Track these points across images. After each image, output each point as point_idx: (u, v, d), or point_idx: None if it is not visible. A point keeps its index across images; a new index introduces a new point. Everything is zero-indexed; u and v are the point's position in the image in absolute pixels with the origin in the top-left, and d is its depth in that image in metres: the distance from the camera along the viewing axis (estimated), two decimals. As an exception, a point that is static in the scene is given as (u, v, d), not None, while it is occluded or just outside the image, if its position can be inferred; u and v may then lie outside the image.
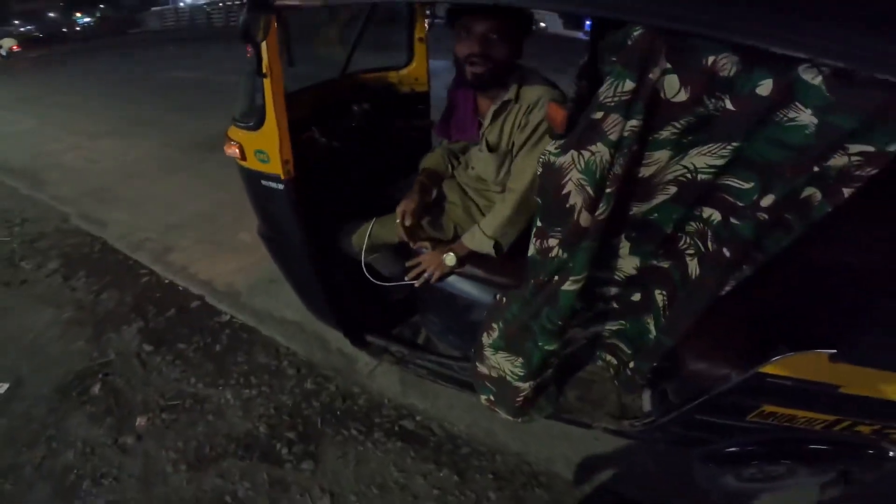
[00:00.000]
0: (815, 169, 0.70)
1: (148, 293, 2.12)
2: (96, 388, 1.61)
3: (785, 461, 1.16)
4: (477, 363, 1.24)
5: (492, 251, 1.15)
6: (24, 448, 1.43)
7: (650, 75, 0.69)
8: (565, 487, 1.38)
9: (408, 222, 1.21)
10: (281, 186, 1.19)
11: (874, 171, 0.67)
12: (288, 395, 1.62)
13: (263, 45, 1.01)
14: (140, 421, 1.50)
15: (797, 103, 0.65)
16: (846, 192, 0.69)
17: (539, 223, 0.93)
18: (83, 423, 1.50)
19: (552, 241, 0.91)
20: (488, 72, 0.99)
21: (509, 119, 1.08)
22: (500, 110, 1.09)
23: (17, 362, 1.71)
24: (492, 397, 1.25)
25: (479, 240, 1.15)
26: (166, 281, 2.20)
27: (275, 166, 1.17)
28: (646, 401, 1.33)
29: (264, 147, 1.16)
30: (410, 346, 1.56)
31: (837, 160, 0.68)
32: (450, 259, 1.18)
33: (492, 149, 1.13)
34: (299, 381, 1.68)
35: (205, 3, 21.78)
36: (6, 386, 1.61)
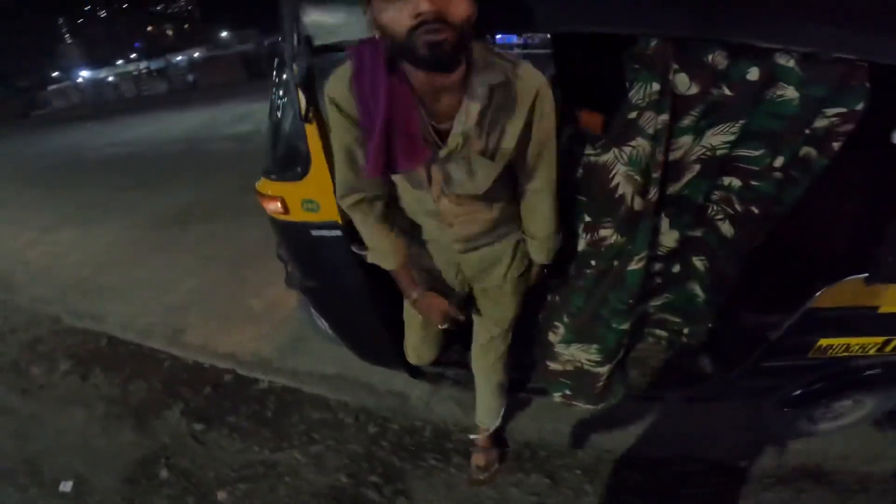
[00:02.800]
0: (807, 131, 0.94)
1: (175, 376, 2.18)
2: (164, 473, 1.66)
3: (851, 392, 1.31)
4: (548, 362, 1.39)
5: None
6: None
7: (668, 76, 0.91)
8: (651, 465, 1.52)
9: (461, 317, 1.14)
10: (337, 232, 1.20)
11: (852, 127, 0.91)
12: (355, 443, 1.73)
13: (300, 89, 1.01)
14: (221, 495, 1.57)
15: (781, 83, 0.90)
16: (835, 146, 0.94)
17: (587, 218, 1.11)
18: (165, 507, 1.55)
19: (605, 231, 1.10)
20: (453, 39, 0.65)
21: (503, 116, 0.83)
22: (491, 101, 0.80)
23: (71, 462, 1.72)
24: (568, 391, 1.39)
25: (549, 250, 1.08)
26: (189, 362, 2.27)
27: (328, 213, 1.19)
28: (706, 364, 1.48)
29: (313, 196, 1.17)
30: (464, 366, 1.62)
31: (821, 122, 0.92)
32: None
33: (491, 155, 0.86)
34: (361, 427, 1.80)
35: (107, 76, 21.56)
36: (70, 483, 1.63)
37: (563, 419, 1.69)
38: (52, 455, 1.79)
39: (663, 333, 1.53)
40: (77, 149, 8.64)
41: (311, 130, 1.08)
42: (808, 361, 1.23)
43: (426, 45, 0.64)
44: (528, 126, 0.85)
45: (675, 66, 0.92)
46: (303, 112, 1.04)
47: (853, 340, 1.18)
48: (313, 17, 0.97)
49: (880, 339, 1.18)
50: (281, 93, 1.15)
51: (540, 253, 1.09)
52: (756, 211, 1.08)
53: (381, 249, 1.03)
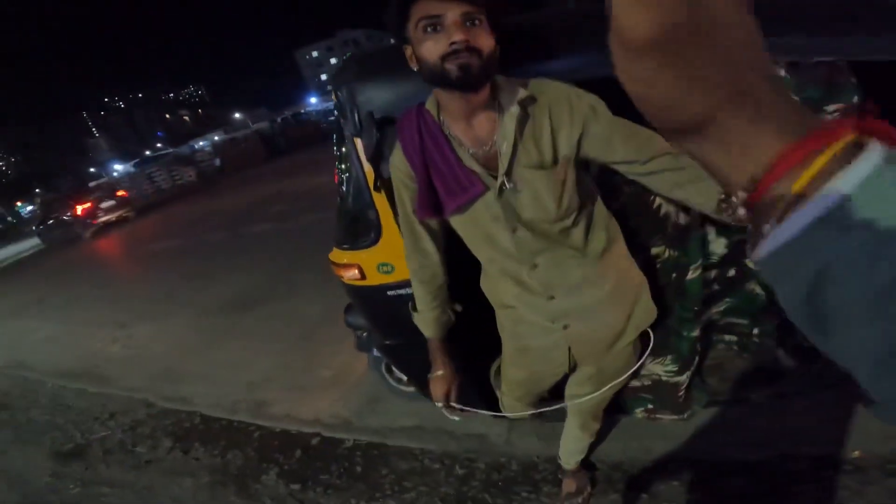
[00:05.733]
0: None
1: (267, 444, 2.48)
2: (271, 530, 1.93)
3: None
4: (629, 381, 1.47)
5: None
6: None
7: None
8: (750, 468, 1.56)
9: (455, 416, 1.23)
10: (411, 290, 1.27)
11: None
12: (446, 486, 1.91)
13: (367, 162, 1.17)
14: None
15: None
16: None
17: (638, 240, 1.24)
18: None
19: (657, 249, 1.26)
20: (479, 64, 0.80)
21: (540, 126, 0.90)
22: (525, 115, 0.89)
23: (187, 526, 2.02)
24: (650, 406, 1.49)
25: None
26: (277, 430, 2.57)
27: (402, 273, 1.33)
28: (785, 359, 1.52)
29: (387, 259, 1.32)
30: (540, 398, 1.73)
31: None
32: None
33: (548, 166, 0.91)
34: (448, 471, 1.98)
35: (137, 169, 23.24)
36: None
37: (647, 436, 1.78)
38: (172, 523, 2.09)
39: (733, 338, 1.60)
40: (125, 246, 9.69)
41: (380, 199, 1.23)
42: None
43: (458, 67, 0.80)
44: (583, 128, 0.90)
45: None
46: (371, 183, 1.20)
47: None
48: (371, 93, 1.13)
49: None
50: (345, 167, 1.29)
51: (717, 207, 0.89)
52: None
53: (424, 317, 1.18)
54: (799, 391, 1.50)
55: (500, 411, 1.46)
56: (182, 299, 5.12)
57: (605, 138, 0.90)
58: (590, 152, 0.92)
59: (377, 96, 1.13)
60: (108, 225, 14.26)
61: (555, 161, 0.91)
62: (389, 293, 1.40)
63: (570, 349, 1.16)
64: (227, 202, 11.37)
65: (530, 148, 0.91)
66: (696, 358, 1.43)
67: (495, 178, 0.93)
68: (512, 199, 0.94)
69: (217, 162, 21.20)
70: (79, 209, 13.67)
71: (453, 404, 1.22)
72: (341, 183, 1.33)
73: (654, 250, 1.27)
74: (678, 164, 0.87)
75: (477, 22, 0.81)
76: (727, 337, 1.57)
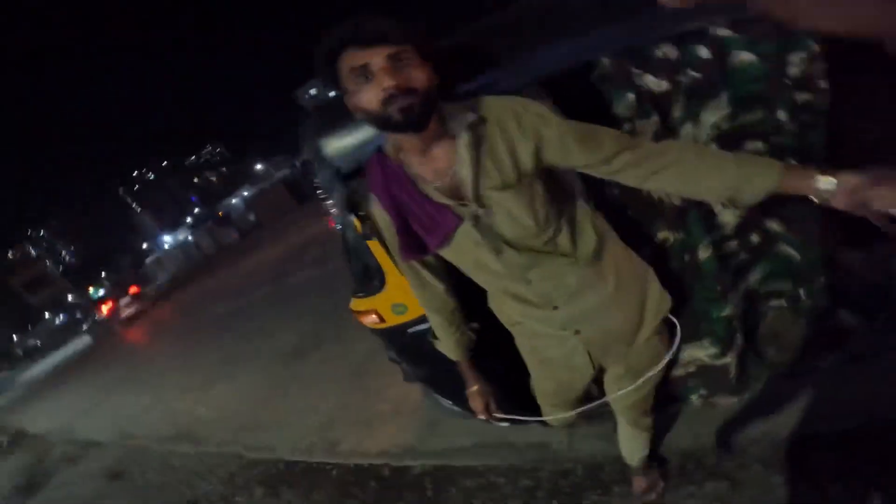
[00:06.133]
0: (787, 81, 1.04)
1: (344, 480, 2.66)
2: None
3: None
4: (673, 370, 1.44)
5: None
6: None
7: (637, 82, 1.07)
8: (837, 440, 1.46)
9: (495, 422, 1.26)
10: (428, 325, 1.28)
11: (825, 65, 1.01)
12: (514, 498, 1.94)
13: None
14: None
15: (732, 50, 1.03)
16: (822, 84, 1.03)
17: (643, 229, 1.23)
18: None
19: (662, 234, 1.23)
20: (419, 102, 0.81)
21: (495, 145, 0.89)
22: (478, 138, 0.88)
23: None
24: (703, 391, 1.44)
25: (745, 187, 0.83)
26: (351, 466, 2.76)
27: (416, 311, 1.36)
28: (847, 318, 1.39)
29: (398, 300, 1.34)
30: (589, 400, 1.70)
31: (794, 69, 1.03)
32: None
33: (512, 185, 0.90)
34: (514, 484, 2.01)
35: (185, 236, 24.48)
36: None
37: (716, 422, 1.70)
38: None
39: (782, 303, 1.46)
40: (189, 311, 10.50)
41: (374, 245, 1.24)
42: None
43: (399, 110, 0.79)
44: (537, 138, 0.90)
45: (638, 72, 1.09)
46: (360, 231, 1.20)
47: None
48: (332, 147, 1.11)
49: None
50: (337, 218, 1.31)
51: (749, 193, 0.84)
52: (794, 163, 1.13)
53: (446, 344, 1.22)
54: (872, 353, 1.38)
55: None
56: (247, 356, 5.57)
57: (561, 143, 0.89)
58: (551, 160, 0.92)
59: (341, 148, 1.12)
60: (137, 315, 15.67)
61: (519, 178, 0.90)
62: (409, 331, 1.44)
63: (589, 353, 1.15)
64: (268, 256, 12.01)
65: (491, 170, 0.90)
66: (739, 336, 1.36)
67: (466, 206, 0.92)
68: (489, 223, 0.93)
69: (252, 217, 22.26)
70: (104, 309, 15.34)
71: (496, 414, 1.25)
72: (341, 234, 1.35)
73: (660, 236, 1.25)
74: (639, 157, 0.88)
75: (406, 60, 0.80)
76: (774, 302, 1.44)
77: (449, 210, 0.92)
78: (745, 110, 1.12)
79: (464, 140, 0.88)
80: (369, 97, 0.81)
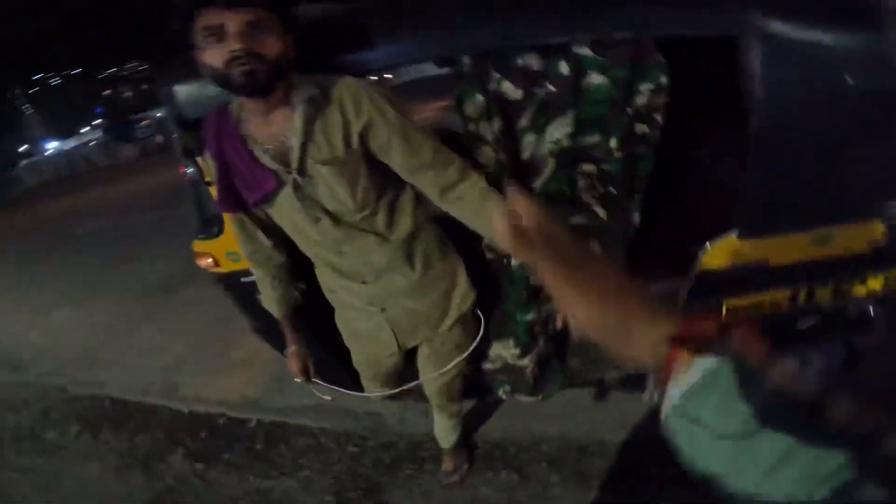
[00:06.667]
0: (629, 111, 1.08)
1: (175, 426, 2.53)
2: (174, 509, 2.05)
3: (788, 349, 1.31)
4: (482, 362, 1.53)
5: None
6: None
7: (491, 87, 1.07)
8: (616, 448, 1.69)
9: (311, 385, 1.30)
10: None
11: (666, 101, 1.06)
12: (338, 464, 1.99)
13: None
14: (225, 523, 1.94)
15: (588, 71, 1.05)
16: (658, 118, 1.08)
17: (461, 242, 1.25)
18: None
19: (487, 238, 1.23)
20: (265, 70, 0.83)
21: (330, 122, 0.94)
22: (315, 112, 0.93)
23: (91, 508, 2.12)
24: (507, 387, 1.53)
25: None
26: (186, 412, 2.62)
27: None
28: None
29: (233, 248, 1.31)
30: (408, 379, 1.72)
31: (640, 99, 1.07)
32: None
33: (338, 163, 0.96)
34: (342, 449, 2.05)
35: (75, 145, 21.78)
36: None
37: (529, 415, 1.89)
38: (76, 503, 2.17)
39: None
40: (59, 225, 9.22)
41: (215, 191, 1.22)
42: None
43: (241, 73, 0.83)
44: (369, 126, 0.95)
45: (498, 76, 1.09)
46: (203, 177, 1.25)
47: (759, 298, 1.23)
48: (182, 94, 1.16)
49: (787, 293, 1.23)
50: (186, 162, 1.33)
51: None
52: (615, 192, 1.22)
53: (268, 298, 1.22)
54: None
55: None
56: (106, 283, 4.97)
57: (386, 142, 0.97)
58: (373, 149, 0.98)
59: (189, 95, 1.16)
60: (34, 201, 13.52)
61: (346, 157, 0.96)
62: (242, 279, 1.44)
63: (394, 331, 1.23)
64: (164, 181, 10.91)
65: (321, 144, 0.95)
66: (541, 341, 1.46)
67: (290, 173, 0.97)
68: (311, 193, 0.99)
69: (159, 139, 20.12)
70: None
71: (315, 380, 1.29)
72: (188, 176, 1.37)
73: (486, 239, 1.28)
74: (441, 180, 1.00)
75: (264, 27, 0.83)
76: None
77: (272, 173, 0.97)
78: (587, 132, 1.16)
79: (299, 112, 0.92)
80: (217, 56, 0.83)
